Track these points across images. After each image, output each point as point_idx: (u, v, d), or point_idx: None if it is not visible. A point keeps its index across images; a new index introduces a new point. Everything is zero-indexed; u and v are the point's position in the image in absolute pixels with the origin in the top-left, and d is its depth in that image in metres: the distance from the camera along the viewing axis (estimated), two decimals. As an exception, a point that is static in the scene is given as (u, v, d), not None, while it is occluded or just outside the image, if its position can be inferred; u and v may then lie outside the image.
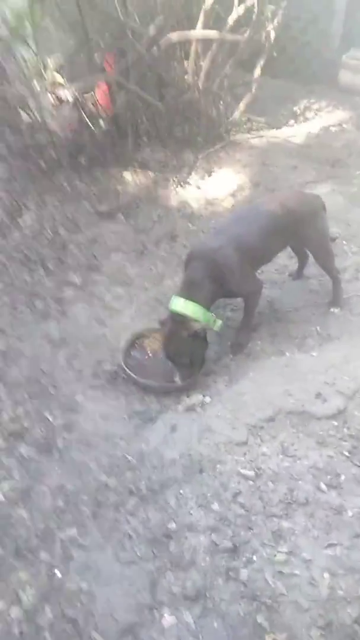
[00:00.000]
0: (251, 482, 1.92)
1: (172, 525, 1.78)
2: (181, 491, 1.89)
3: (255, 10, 3.94)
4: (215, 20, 4.01)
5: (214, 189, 3.88)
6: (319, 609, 1.56)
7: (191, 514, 1.81)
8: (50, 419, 2.14)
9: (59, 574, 1.60)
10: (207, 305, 2.30)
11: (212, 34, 3.89)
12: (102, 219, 3.46)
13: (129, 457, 2.00)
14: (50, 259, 3.02)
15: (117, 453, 2.02)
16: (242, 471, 1.95)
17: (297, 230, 2.53)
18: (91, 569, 1.63)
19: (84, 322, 2.68)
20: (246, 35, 4.03)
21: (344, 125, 5.09)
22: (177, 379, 2.34)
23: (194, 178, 3.95)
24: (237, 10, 3.89)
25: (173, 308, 2.27)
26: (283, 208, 2.46)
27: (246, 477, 1.93)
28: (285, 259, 3.07)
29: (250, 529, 1.78)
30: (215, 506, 1.85)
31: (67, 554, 1.67)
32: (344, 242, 3.30)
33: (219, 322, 2.37)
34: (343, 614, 1.55)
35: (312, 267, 2.98)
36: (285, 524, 1.79)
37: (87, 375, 2.39)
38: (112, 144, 4.02)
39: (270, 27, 4.25)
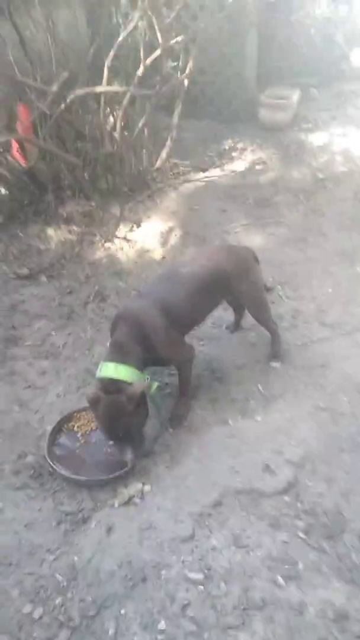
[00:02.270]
0: (201, 587, 1.69)
1: (112, 661, 1.51)
2: (122, 611, 1.63)
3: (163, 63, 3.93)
4: (127, 69, 3.97)
5: (143, 240, 3.73)
6: None
7: (134, 642, 1.55)
8: None
9: None
10: (140, 368, 2.08)
11: (117, 88, 3.82)
12: (22, 282, 3.20)
13: (58, 576, 1.72)
14: None
15: (45, 571, 1.74)
16: (190, 575, 1.72)
17: (228, 287, 2.40)
18: None
19: (2, 407, 2.39)
20: (158, 86, 3.99)
21: (269, 163, 5.16)
22: (129, 456, 2.04)
23: (122, 230, 3.80)
24: (144, 65, 3.85)
25: (103, 375, 2.02)
26: (211, 266, 2.33)
27: (195, 582, 1.70)
28: (221, 311, 2.93)
29: (203, 649, 1.54)
30: (162, 624, 1.60)
31: None
32: (279, 286, 3.22)
33: (155, 384, 2.15)
34: None
35: (250, 317, 2.85)
36: (242, 636, 1.57)
37: (7, 473, 2.09)
38: (30, 199, 3.81)
39: (181, 76, 4.25)
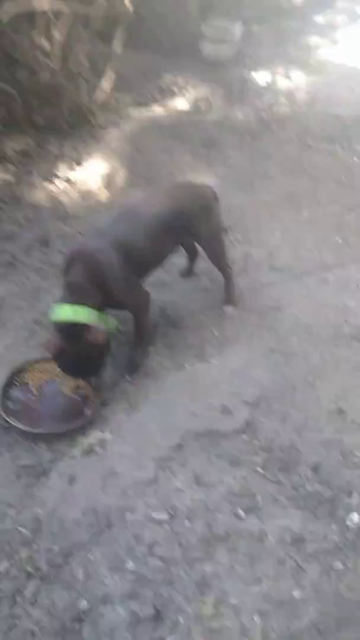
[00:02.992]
0: (167, 527, 1.74)
1: (83, 604, 1.53)
2: (90, 557, 1.65)
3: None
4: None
5: (85, 180, 3.52)
6: (255, 662, 1.44)
7: (104, 583, 1.58)
8: None
9: None
10: (97, 308, 2.01)
11: (59, 5, 3.43)
12: None
13: (22, 529, 1.69)
14: None
15: (7, 526, 1.70)
16: (155, 515, 1.76)
17: (188, 227, 2.32)
18: None
19: None
20: (101, 6, 3.63)
21: (212, 101, 4.96)
22: (88, 411, 2.05)
23: (62, 169, 3.55)
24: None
25: (60, 317, 1.93)
26: (171, 205, 2.23)
27: (160, 522, 1.74)
28: (173, 256, 2.86)
29: (171, 583, 1.60)
30: (130, 565, 1.64)
31: None
32: (229, 230, 3.19)
33: (114, 321, 2.10)
34: (279, 660, 1.45)
35: (202, 262, 2.82)
36: (207, 567, 1.65)
37: None
38: None
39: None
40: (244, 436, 2.04)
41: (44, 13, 3.45)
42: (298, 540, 1.73)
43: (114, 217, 2.24)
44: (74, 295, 1.96)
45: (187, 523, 1.76)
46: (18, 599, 1.52)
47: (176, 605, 1.55)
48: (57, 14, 3.52)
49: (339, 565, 1.67)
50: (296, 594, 1.59)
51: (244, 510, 1.80)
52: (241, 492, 1.86)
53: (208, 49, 5.65)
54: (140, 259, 2.14)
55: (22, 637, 1.44)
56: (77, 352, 1.97)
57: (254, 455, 1.98)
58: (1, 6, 3.18)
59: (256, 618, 1.53)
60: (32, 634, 1.45)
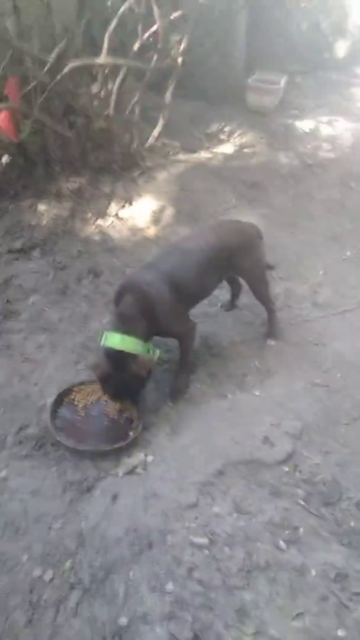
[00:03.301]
0: (206, 551, 1.74)
1: (123, 620, 1.55)
2: (131, 574, 1.67)
3: (160, 38, 3.87)
4: (121, 46, 3.89)
5: (135, 218, 3.71)
6: None
7: (144, 602, 1.60)
8: (-33, 504, 1.83)
9: None
10: (144, 339, 2.12)
11: (117, 60, 3.75)
12: (15, 257, 3.15)
13: (67, 542, 1.74)
14: None
15: (52, 537, 1.75)
16: (195, 540, 1.77)
17: (233, 262, 2.42)
18: None
19: (2, 380, 2.37)
20: (153, 61, 3.94)
21: (257, 147, 5.18)
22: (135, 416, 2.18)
23: (113, 208, 3.76)
24: (142, 38, 3.79)
25: (109, 344, 2.04)
26: (218, 240, 2.35)
27: (200, 546, 1.75)
28: (217, 290, 2.96)
29: (210, 609, 1.59)
30: (170, 586, 1.65)
31: None
32: (273, 267, 3.26)
33: (158, 351, 2.19)
34: None
35: (244, 296, 2.90)
36: (247, 596, 1.63)
37: (10, 444, 2.08)
38: (20, 173, 3.73)
39: (176, 53, 4.19)
40: (285, 468, 2.05)
41: (102, 66, 3.77)
42: (342, 577, 1.69)
43: (163, 252, 2.37)
44: (124, 325, 2.07)
45: (227, 550, 1.76)
46: (61, 608, 1.55)
47: (215, 632, 1.54)
48: (113, 68, 3.83)
49: (385, 606, 1.62)
50: (340, 633, 1.55)
51: (284, 541, 1.79)
52: (282, 523, 1.85)
53: (253, 99, 5.94)
54: (188, 291, 2.25)
55: (64, 648, 1.46)
56: (121, 378, 2.06)
57: (295, 488, 1.98)
58: (67, 63, 3.50)
59: (297, 653, 1.50)
60: (73, 645, 1.47)
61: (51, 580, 1.63)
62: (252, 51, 6.16)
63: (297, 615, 1.58)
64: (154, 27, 3.76)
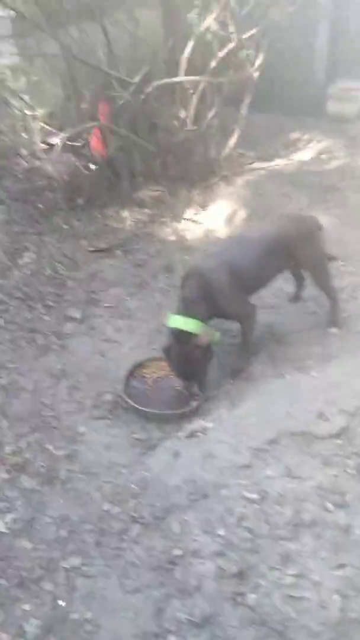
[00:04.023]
0: (256, 506, 1.89)
1: (177, 552, 1.75)
2: (185, 517, 1.87)
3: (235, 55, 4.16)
4: (201, 64, 4.23)
5: (209, 221, 3.98)
6: (330, 633, 1.51)
7: (196, 540, 1.79)
8: (53, 451, 2.15)
9: (62, 604, 1.57)
10: (205, 321, 2.35)
11: (194, 78, 4.10)
12: (100, 255, 3.55)
13: (132, 485, 1.99)
14: (50, 295, 3.10)
15: (120, 482, 2.01)
16: (247, 495, 1.93)
17: (293, 252, 2.58)
18: (95, 598, 1.60)
19: (85, 355, 2.72)
20: (229, 77, 4.23)
21: (335, 152, 5.24)
22: (195, 389, 2.39)
23: (189, 212, 4.07)
24: (218, 55, 4.11)
25: (173, 325, 2.30)
26: (278, 231, 2.53)
27: (251, 501, 1.91)
28: (282, 283, 3.11)
29: (257, 552, 1.74)
30: (221, 531, 1.82)
31: (71, 583, 1.65)
32: (341, 262, 3.33)
33: (218, 334, 2.41)
34: (356, 637, 1.49)
35: (310, 290, 3.02)
36: (292, 546, 1.76)
37: (89, 407, 2.40)
38: (108, 185, 4.18)
39: (252, 68, 4.45)
40: (338, 441, 2.13)
41: (182, 84, 4.14)
42: (386, 539, 1.75)
43: (226, 241, 2.60)
44: (186, 308, 2.33)
45: (276, 506, 1.89)
46: (124, 536, 1.79)
47: (259, 571, 1.68)
48: (193, 85, 4.19)
49: None
50: (379, 585, 1.62)
51: (332, 504, 1.88)
52: (331, 488, 1.94)
53: (334, 107, 6.01)
54: (246, 277, 2.45)
55: (125, 565, 1.70)
56: (184, 354, 2.29)
57: (346, 459, 2.05)
58: (150, 83, 3.91)
59: (336, 597, 1.60)
60: (134, 564, 1.70)
61: (117, 514, 1.88)
62: (334, 60, 6.25)
63: (339, 566, 1.68)
64: (230, 45, 4.05)
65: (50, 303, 3.03)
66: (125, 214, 4.05)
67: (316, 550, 1.74)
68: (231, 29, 3.96)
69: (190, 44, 3.97)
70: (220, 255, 2.43)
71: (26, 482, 1.99)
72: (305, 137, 5.62)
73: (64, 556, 1.74)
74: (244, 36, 4.07)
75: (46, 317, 2.93)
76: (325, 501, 1.90)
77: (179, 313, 2.34)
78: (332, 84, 6.02)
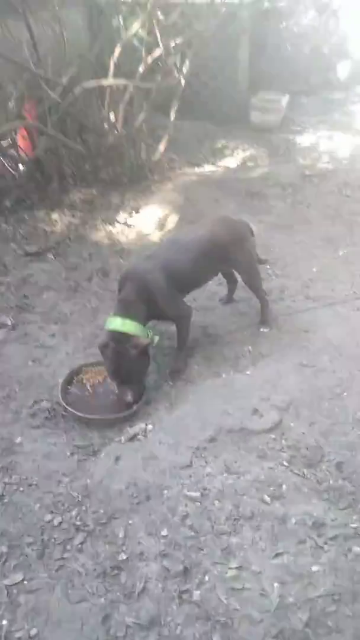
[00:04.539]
0: (198, 504, 1.94)
1: (122, 557, 1.75)
2: (130, 521, 1.88)
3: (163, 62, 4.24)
4: (129, 69, 4.25)
5: (141, 224, 4.01)
6: (271, 619, 1.59)
7: (141, 543, 1.80)
8: (-13, 464, 2.07)
9: (4, 623, 1.52)
10: (143, 323, 2.37)
11: (123, 81, 4.12)
12: (31, 259, 3.46)
13: (74, 493, 1.96)
14: (-21, 302, 2.97)
15: (61, 490, 1.98)
16: (189, 493, 1.98)
17: (226, 254, 2.67)
18: (40, 613, 1.56)
19: (18, 363, 2.63)
20: (157, 82, 4.29)
21: (259, 160, 5.49)
22: (129, 397, 2.33)
23: (121, 216, 4.07)
24: (146, 61, 4.15)
25: (111, 327, 2.30)
26: (212, 234, 2.60)
27: (193, 499, 1.96)
28: (214, 286, 3.21)
29: (200, 549, 1.79)
30: (165, 531, 1.85)
31: (13, 601, 1.59)
32: (268, 266, 3.50)
33: (156, 337, 2.44)
34: (294, 620, 1.58)
35: (241, 291, 3.14)
36: (234, 539, 1.83)
37: (25, 416, 2.33)
38: (36, 186, 4.07)
39: (179, 75, 4.55)
40: (272, 435, 2.24)
41: (111, 87, 4.13)
42: (319, 525, 1.87)
43: (162, 245, 2.64)
44: (125, 310, 2.34)
45: (217, 503, 1.96)
46: (68, 546, 1.77)
47: (203, 567, 1.73)
48: (122, 89, 4.20)
49: (357, 549, 1.79)
50: (314, 568, 1.74)
51: (269, 496, 1.98)
52: (267, 481, 2.04)
53: (257, 117, 6.30)
54: (182, 279, 2.50)
55: (70, 575, 1.67)
56: (121, 355, 2.28)
57: (280, 452, 2.17)
58: (78, 84, 3.87)
59: (276, 585, 1.68)
60: (79, 573, 1.68)
61: (60, 524, 1.85)
62: (255, 73, 6.54)
63: (277, 555, 1.77)
64: (157, 53, 4.11)
65: (-21, 310, 2.90)
66: (55, 216, 3.97)
67: (256, 541, 1.82)
68: (158, 36, 4.02)
69: (118, 48, 3.98)
70: (157, 257, 2.47)
71: None
72: (232, 144, 5.83)
73: (5, 573, 1.68)
74: (172, 44, 4.15)
75: (-25, 325, 2.80)
76: (263, 494, 1.99)
77: (117, 315, 2.34)
78: (254, 95, 6.30)
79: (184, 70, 4.56)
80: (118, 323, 2.29)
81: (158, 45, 4.09)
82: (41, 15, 4.11)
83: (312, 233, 4.00)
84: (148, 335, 2.38)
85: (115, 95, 4.17)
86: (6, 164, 3.93)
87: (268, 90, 6.47)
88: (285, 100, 6.45)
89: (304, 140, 6.01)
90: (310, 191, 4.74)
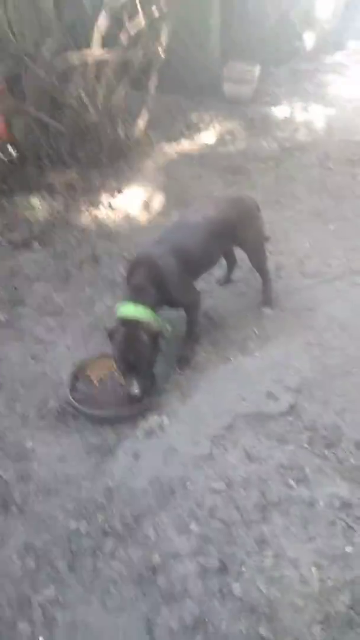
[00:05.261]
0: (224, 494, 1.91)
1: (156, 558, 1.71)
2: (158, 520, 1.83)
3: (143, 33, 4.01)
4: (107, 39, 4.01)
5: (126, 206, 3.86)
6: (314, 604, 1.58)
7: (173, 542, 1.76)
8: (1, 473, 1.97)
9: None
10: (155, 310, 2.27)
11: (109, 54, 3.89)
12: (17, 249, 3.28)
13: (97, 497, 1.89)
14: (-33, 298, 2.81)
15: (83, 495, 1.90)
16: (213, 484, 1.94)
17: (235, 232, 2.58)
18: (78, 628, 1.51)
19: (18, 361, 2.51)
20: (139, 54, 4.08)
21: (236, 134, 5.35)
22: (135, 390, 2.19)
23: (104, 198, 3.90)
24: (128, 29, 3.92)
25: (124, 314, 2.19)
26: (221, 212, 2.51)
27: (218, 490, 1.92)
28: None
29: (233, 541, 1.76)
30: (194, 526, 1.81)
31: (49, 618, 1.53)
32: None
33: (169, 326, 2.34)
34: (337, 603, 1.58)
35: (237, 270, 3.08)
36: (265, 528, 1.81)
37: (33, 417, 2.23)
38: (11, 169, 3.84)
39: (159, 46, 4.34)
40: (289, 418, 2.22)
41: (91, 63, 3.89)
42: (346, 506, 1.87)
43: (170, 227, 2.52)
44: (136, 295, 2.23)
45: (242, 491, 1.93)
46: (98, 553, 1.71)
47: (239, 559, 1.71)
48: (101, 63, 3.97)
49: (387, 526, 1.80)
50: (348, 549, 1.74)
51: (294, 480, 1.97)
52: (290, 465, 2.02)
53: (230, 88, 6.11)
54: (194, 262, 2.41)
55: (106, 584, 1.62)
56: (131, 340, 2.17)
57: (299, 434, 2.15)
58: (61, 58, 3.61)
59: (314, 569, 1.68)
60: (114, 581, 1.63)
61: (87, 531, 1.78)
62: (226, 42, 6.32)
63: (310, 539, 1.76)
64: (140, 21, 3.88)
65: (-32, 307, 2.74)
66: (35, 201, 3.77)
67: (287, 527, 1.81)
68: (137, 2, 3.79)
69: (103, 17, 3.72)
70: (167, 241, 2.35)
71: (-23, 511, 1.80)
72: (206, 117, 5.66)
73: (36, 589, 1.61)
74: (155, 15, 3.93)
75: (-34, 324, 2.64)
76: (287, 478, 1.98)
77: (128, 301, 2.23)
78: (227, 65, 6.10)
79: (163, 40, 4.34)
80: (130, 309, 2.19)
81: (137, 13, 3.85)
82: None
83: (300, 207, 3.95)
84: (161, 323, 2.28)
85: (99, 69, 3.92)
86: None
87: (238, 60, 6.28)
88: (257, 70, 6.28)
89: (279, 111, 5.89)
90: (292, 164, 4.67)
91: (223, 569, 1.68)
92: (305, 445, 2.09)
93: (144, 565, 1.68)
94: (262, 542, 1.76)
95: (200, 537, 1.77)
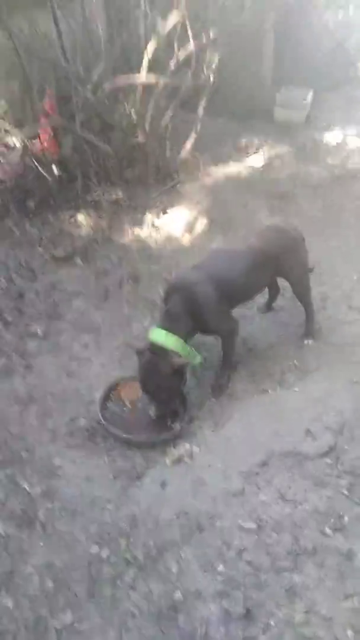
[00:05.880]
0: (255, 536, 1.80)
1: (178, 595, 1.62)
2: (182, 554, 1.74)
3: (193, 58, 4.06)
4: (157, 64, 4.09)
5: (170, 227, 3.86)
6: (349, 673, 1.45)
7: (196, 580, 1.66)
8: (27, 488, 1.93)
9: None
10: (186, 339, 2.23)
11: (155, 79, 3.96)
12: (59, 264, 3.32)
13: (121, 523, 1.82)
14: (7, 309, 2.83)
15: (107, 519, 1.84)
16: (243, 524, 1.84)
17: (278, 264, 2.52)
18: (95, 663, 1.44)
19: (52, 376, 2.50)
20: (188, 79, 4.13)
21: (285, 159, 5.31)
22: (151, 412, 2.23)
23: (148, 217, 3.92)
24: (178, 56, 3.99)
25: (154, 339, 2.17)
26: (262, 245, 2.45)
27: (248, 531, 1.82)
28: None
29: (261, 588, 1.65)
30: (221, 567, 1.71)
31: (65, 647, 1.47)
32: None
33: (199, 357, 2.30)
34: (374, 674, 1.44)
35: (279, 299, 2.99)
36: (297, 578, 1.69)
37: (63, 434, 2.20)
38: (60, 187, 3.92)
39: (209, 72, 4.39)
40: (328, 460, 2.09)
41: (140, 86, 3.97)
42: (387, 563, 1.73)
43: (211, 254, 2.48)
44: (169, 323, 2.19)
45: (274, 535, 1.81)
46: (118, 582, 1.63)
47: (266, 609, 1.59)
48: (149, 86, 4.04)
49: None
50: (389, 613, 1.59)
51: (330, 528, 1.84)
52: (327, 511, 1.90)
53: (281, 113, 6.12)
54: (233, 291, 2.36)
55: (124, 616, 1.54)
56: (156, 369, 2.15)
57: (338, 478, 2.02)
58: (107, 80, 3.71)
59: (350, 633, 1.54)
60: (133, 615, 1.55)
61: (108, 557, 1.71)
62: (279, 69, 6.36)
63: (346, 596, 1.62)
64: (190, 47, 3.95)
65: (9, 318, 2.76)
66: (80, 217, 3.82)
67: (321, 580, 1.68)
68: (188, 29, 3.86)
69: (152, 42, 3.81)
70: (205, 268, 2.32)
71: (0, 526, 1.76)
72: (256, 141, 5.65)
73: (53, 613, 1.55)
74: (204, 41, 3.99)
75: (6, 335, 2.66)
76: (324, 525, 1.85)
77: (161, 327, 2.20)
78: (277, 90, 6.12)
79: (213, 66, 4.39)
80: (161, 336, 2.15)
81: (188, 40, 3.92)
82: (65, 6, 3.96)
83: (347, 238, 3.84)
84: (189, 353, 2.23)
85: (148, 92, 4.00)
86: (30, 164, 3.78)
87: (292, 86, 6.29)
88: (309, 96, 6.26)
89: (331, 138, 5.81)
90: (341, 193, 4.56)
91: (249, 617, 1.57)
92: (345, 492, 1.96)
93: (165, 601, 1.60)
94: (292, 594, 1.64)
95: (226, 579, 1.67)
